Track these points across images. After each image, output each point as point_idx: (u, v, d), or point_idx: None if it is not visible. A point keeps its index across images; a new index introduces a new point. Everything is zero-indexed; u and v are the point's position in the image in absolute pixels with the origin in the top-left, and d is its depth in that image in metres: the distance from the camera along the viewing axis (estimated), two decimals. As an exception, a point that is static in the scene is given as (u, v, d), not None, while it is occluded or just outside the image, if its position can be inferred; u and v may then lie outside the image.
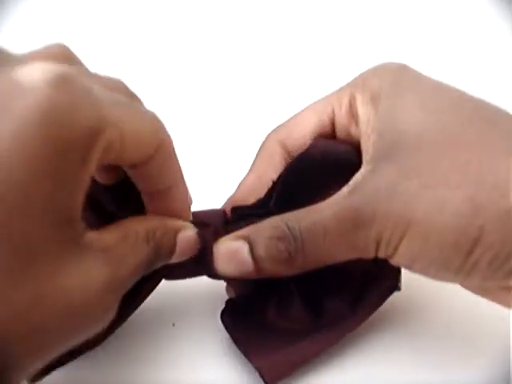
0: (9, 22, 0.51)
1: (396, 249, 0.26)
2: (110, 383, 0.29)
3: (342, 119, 0.29)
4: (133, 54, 0.50)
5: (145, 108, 0.26)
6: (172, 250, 0.27)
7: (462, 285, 0.28)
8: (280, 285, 0.30)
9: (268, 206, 0.29)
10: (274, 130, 0.32)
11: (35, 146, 0.19)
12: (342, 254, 0.27)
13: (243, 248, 0.27)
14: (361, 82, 0.29)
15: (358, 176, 0.27)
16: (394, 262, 0.27)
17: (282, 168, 0.30)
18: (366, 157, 0.27)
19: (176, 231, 0.27)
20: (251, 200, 0.30)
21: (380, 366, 0.30)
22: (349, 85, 0.30)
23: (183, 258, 0.28)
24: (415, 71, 0.29)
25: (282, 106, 0.45)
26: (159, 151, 0.25)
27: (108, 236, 0.24)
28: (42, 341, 0.20)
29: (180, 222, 0.27)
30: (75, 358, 0.28)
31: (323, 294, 0.30)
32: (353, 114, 0.29)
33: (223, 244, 0.28)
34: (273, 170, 0.30)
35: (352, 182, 0.27)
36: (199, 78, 0.48)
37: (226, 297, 0.32)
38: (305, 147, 0.29)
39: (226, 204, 0.31)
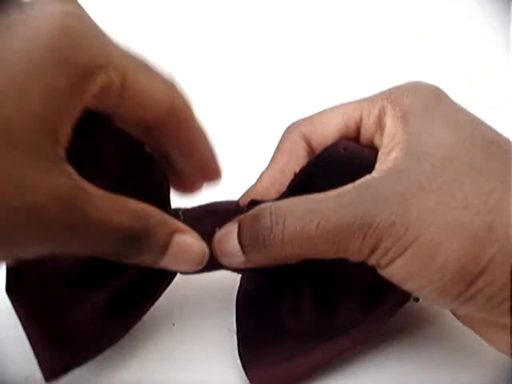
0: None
1: (392, 261, 0.25)
2: (110, 383, 0.29)
3: (368, 128, 0.29)
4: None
5: (160, 70, 0.26)
6: (164, 248, 0.25)
7: (453, 312, 0.28)
8: (292, 284, 0.29)
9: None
10: (298, 123, 0.31)
11: (42, 52, 0.21)
12: (329, 251, 0.26)
13: (234, 231, 0.27)
14: (394, 96, 0.29)
15: (367, 178, 0.26)
16: (383, 273, 0.26)
17: (305, 162, 0.29)
18: (381, 166, 0.27)
19: (174, 231, 0.26)
20: (272, 192, 0.30)
21: (379, 366, 0.30)
22: (381, 96, 0.29)
23: (182, 267, 0.27)
24: (448, 97, 0.28)
25: (287, 102, 0.45)
26: (174, 113, 0.26)
27: (94, 188, 0.23)
28: None
29: (184, 226, 0.26)
30: (92, 357, 0.28)
31: (335, 296, 0.29)
32: (380, 125, 0.28)
33: (221, 229, 0.28)
34: (296, 164, 0.30)
35: (360, 182, 0.26)
36: (209, 72, 0.48)
37: (227, 297, 0.32)
38: (329, 144, 0.29)
39: (245, 195, 0.31)
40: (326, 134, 0.30)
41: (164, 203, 0.29)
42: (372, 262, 0.25)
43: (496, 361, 0.29)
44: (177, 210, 0.29)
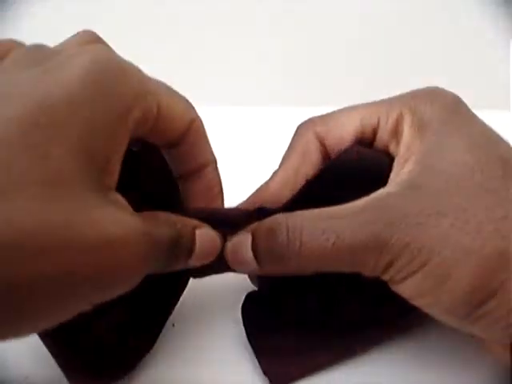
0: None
1: (404, 279, 0.25)
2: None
3: (384, 133, 0.29)
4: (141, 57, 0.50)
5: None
6: (192, 246, 0.26)
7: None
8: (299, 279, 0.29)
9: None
10: (312, 122, 0.30)
11: (80, 88, 0.22)
12: (345, 266, 0.26)
13: (247, 240, 0.27)
14: (413, 103, 0.28)
15: (382, 193, 0.26)
16: (395, 288, 0.26)
17: (319, 164, 0.30)
18: (395, 178, 0.27)
19: (194, 226, 0.26)
20: (284, 193, 0.30)
21: (381, 366, 0.30)
22: (400, 101, 0.29)
23: (205, 260, 0.27)
24: (467, 108, 0.28)
25: (292, 102, 0.45)
26: (191, 129, 0.27)
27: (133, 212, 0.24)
28: (65, 274, 0.20)
29: (196, 221, 0.27)
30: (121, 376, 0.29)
31: (340, 294, 0.30)
32: (397, 132, 0.28)
33: (232, 237, 0.28)
34: (310, 165, 0.30)
35: (375, 197, 0.26)
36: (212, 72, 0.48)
37: (227, 298, 0.32)
38: (342, 150, 0.29)
39: (256, 194, 0.31)
40: (342, 135, 0.30)
41: (176, 202, 0.29)
42: (385, 278, 0.26)
43: (495, 360, 0.29)
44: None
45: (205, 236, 0.27)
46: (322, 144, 0.30)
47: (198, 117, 0.28)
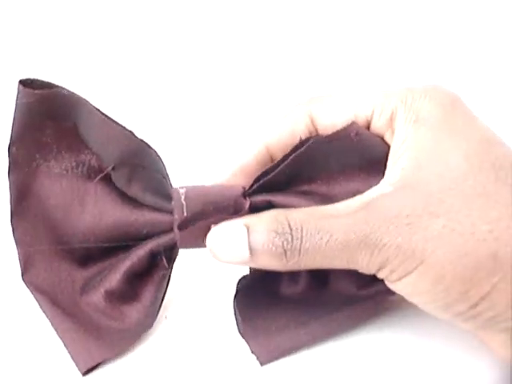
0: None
1: (400, 279, 0.26)
2: (104, 379, 0.29)
3: (378, 125, 0.29)
4: (131, 53, 0.50)
5: None
6: None
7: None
8: None
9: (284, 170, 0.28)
10: (309, 100, 0.30)
11: None
12: (339, 264, 0.26)
13: (242, 233, 0.27)
14: (410, 98, 0.28)
15: (375, 191, 0.26)
16: (392, 287, 0.27)
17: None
18: (388, 176, 0.27)
19: None
20: (266, 155, 0.30)
21: (378, 365, 0.30)
22: (396, 95, 0.29)
23: None
24: (464, 107, 0.28)
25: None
26: None
27: None
28: None
29: None
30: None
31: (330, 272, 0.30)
32: (391, 126, 0.28)
33: (221, 226, 0.28)
34: (294, 139, 0.29)
35: (368, 197, 0.26)
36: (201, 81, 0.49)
37: (217, 289, 0.33)
38: (342, 127, 0.29)
39: (236, 160, 0.31)
40: (334, 122, 0.29)
41: (165, 183, 0.29)
42: (381, 276, 0.27)
43: (495, 360, 0.29)
44: (179, 193, 0.28)
45: None
46: (313, 123, 0.30)
47: None
